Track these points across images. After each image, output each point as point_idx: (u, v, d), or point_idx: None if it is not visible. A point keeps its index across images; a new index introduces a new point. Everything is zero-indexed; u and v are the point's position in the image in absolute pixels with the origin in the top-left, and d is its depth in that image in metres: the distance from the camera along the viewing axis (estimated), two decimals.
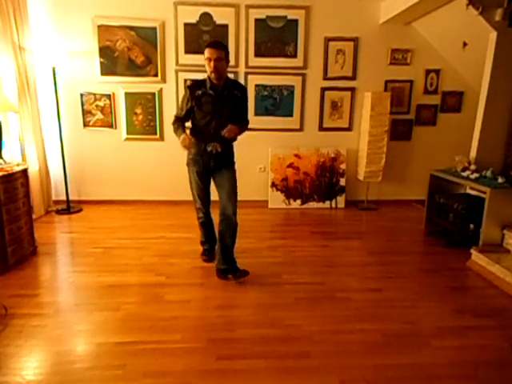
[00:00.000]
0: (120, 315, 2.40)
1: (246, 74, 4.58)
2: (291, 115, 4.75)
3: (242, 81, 4.47)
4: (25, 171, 3.20)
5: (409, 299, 2.67)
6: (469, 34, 3.90)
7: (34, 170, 4.10)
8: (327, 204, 4.88)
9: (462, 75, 4.75)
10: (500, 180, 3.35)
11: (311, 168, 4.79)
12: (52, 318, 2.35)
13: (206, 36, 4.39)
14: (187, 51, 4.47)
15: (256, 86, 4.60)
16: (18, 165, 3.23)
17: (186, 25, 4.41)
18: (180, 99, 3.02)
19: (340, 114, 4.80)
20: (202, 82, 2.76)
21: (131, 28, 4.37)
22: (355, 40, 4.59)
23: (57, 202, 4.57)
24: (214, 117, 2.74)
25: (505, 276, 2.84)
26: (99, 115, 4.59)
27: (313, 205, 4.85)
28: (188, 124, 2.87)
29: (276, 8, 4.43)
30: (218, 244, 2.91)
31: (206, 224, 3.16)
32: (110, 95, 4.53)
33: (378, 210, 4.82)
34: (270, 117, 4.71)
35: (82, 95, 4.51)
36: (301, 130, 4.81)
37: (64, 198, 4.47)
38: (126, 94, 4.54)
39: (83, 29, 4.32)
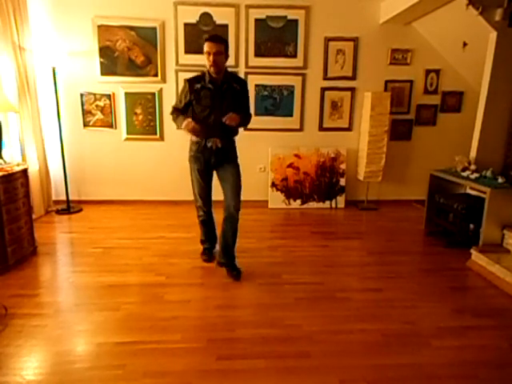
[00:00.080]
0: (120, 315, 2.40)
1: (246, 73, 4.57)
2: (291, 115, 4.75)
3: None
4: (25, 171, 3.20)
5: (409, 299, 2.67)
6: (469, 34, 3.90)
7: (34, 170, 4.10)
8: (327, 204, 4.88)
9: (462, 75, 4.75)
10: (500, 180, 3.35)
11: (311, 168, 4.79)
12: (52, 318, 2.35)
13: (205, 36, 4.36)
14: (187, 51, 4.47)
15: (256, 85, 4.60)
16: (18, 165, 3.23)
17: (185, 25, 4.41)
18: (179, 91, 2.99)
19: (340, 113, 4.80)
20: (202, 75, 2.76)
21: (131, 28, 4.37)
22: (355, 40, 4.59)
23: (57, 202, 4.57)
24: (213, 111, 2.72)
25: (505, 276, 2.84)
26: (99, 115, 4.59)
27: (313, 205, 4.85)
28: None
29: (276, 8, 4.43)
30: (220, 241, 2.98)
31: (206, 222, 3.14)
32: (110, 95, 4.53)
33: (377, 209, 4.82)
34: (270, 117, 4.71)
35: (81, 95, 4.51)
36: (301, 130, 4.81)
37: (64, 198, 4.47)
38: (126, 94, 4.54)
39: (83, 29, 4.32)
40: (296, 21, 4.48)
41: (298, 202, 4.84)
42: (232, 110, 2.71)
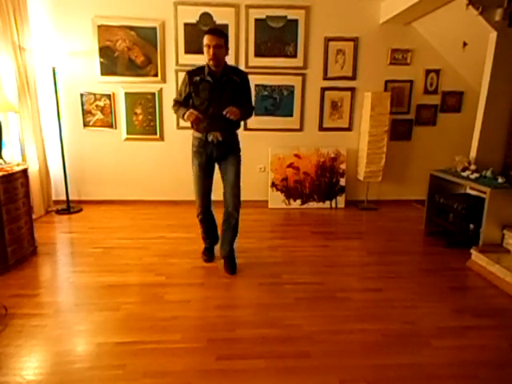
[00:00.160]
0: (120, 315, 2.40)
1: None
2: (291, 115, 4.75)
3: None
4: (25, 171, 3.20)
5: (409, 299, 2.67)
6: (469, 34, 3.90)
7: (34, 170, 4.10)
8: (327, 204, 4.88)
9: (462, 75, 4.75)
10: (500, 180, 3.35)
11: (311, 168, 4.79)
12: (52, 318, 2.35)
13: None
14: (187, 51, 4.47)
15: (256, 85, 4.59)
16: (18, 165, 3.23)
17: (185, 25, 4.41)
18: (180, 83, 2.97)
19: (340, 113, 4.80)
20: (201, 68, 2.74)
21: (131, 28, 4.37)
22: (355, 40, 4.59)
23: (57, 202, 4.57)
24: (212, 103, 2.70)
25: (505, 276, 2.84)
26: (99, 115, 4.59)
27: (313, 205, 4.85)
28: None
29: (276, 8, 4.43)
30: (220, 237, 3.09)
31: (204, 220, 3.10)
32: (110, 95, 4.53)
33: (378, 209, 4.82)
34: (270, 117, 4.70)
35: (81, 95, 4.51)
36: (301, 130, 4.81)
37: (64, 198, 4.47)
38: (126, 94, 4.54)
39: (83, 29, 4.32)
40: (296, 21, 4.48)
41: (298, 201, 4.84)
42: (231, 102, 2.68)
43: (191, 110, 2.65)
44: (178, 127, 4.64)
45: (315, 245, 3.64)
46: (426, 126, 4.92)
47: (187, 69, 4.34)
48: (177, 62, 4.51)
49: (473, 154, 3.86)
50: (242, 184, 2.95)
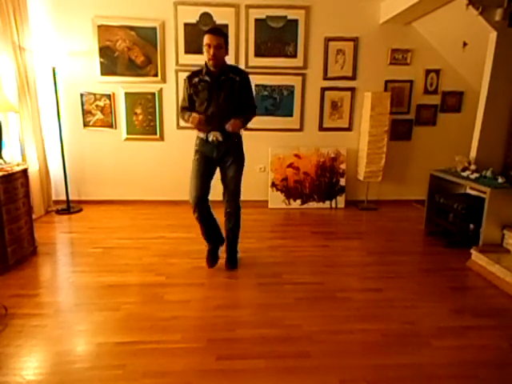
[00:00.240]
0: (120, 315, 2.40)
1: None
2: (291, 115, 4.75)
3: None
4: (25, 171, 3.20)
5: (409, 299, 2.67)
6: (469, 34, 3.90)
7: (34, 170, 4.10)
8: (327, 204, 4.88)
9: (462, 75, 4.75)
10: (500, 180, 3.35)
11: (311, 168, 4.79)
12: (52, 318, 2.35)
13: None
14: (187, 51, 4.48)
15: (256, 86, 4.59)
16: (18, 165, 3.23)
17: (185, 25, 4.41)
18: (183, 90, 2.96)
19: (340, 114, 4.80)
20: (200, 70, 2.75)
21: (131, 28, 4.37)
22: (355, 40, 4.59)
23: (57, 202, 4.57)
24: (211, 103, 2.69)
25: (505, 276, 2.84)
26: (99, 115, 4.59)
27: (313, 205, 4.85)
28: None
29: (276, 8, 4.43)
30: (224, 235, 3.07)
31: (200, 218, 2.89)
32: (110, 95, 4.53)
33: (377, 209, 4.82)
34: (270, 117, 4.70)
35: (82, 95, 4.51)
36: (301, 130, 4.81)
37: (64, 198, 4.47)
38: (126, 94, 4.54)
39: (83, 29, 4.33)
40: (296, 21, 4.48)
41: (298, 201, 4.84)
42: (230, 102, 2.68)
43: (194, 114, 2.65)
44: (178, 127, 4.65)
45: (315, 245, 3.64)
46: (425, 126, 4.92)
47: (187, 69, 4.43)
48: (177, 62, 4.51)
49: (473, 154, 3.86)
50: (242, 184, 2.93)
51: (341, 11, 4.51)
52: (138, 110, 4.61)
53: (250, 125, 3.01)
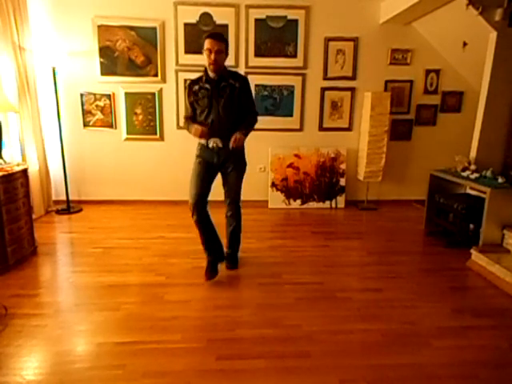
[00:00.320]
0: (120, 315, 2.40)
1: (246, 73, 4.55)
2: (291, 115, 4.75)
3: None
4: (25, 171, 3.20)
5: (409, 299, 2.67)
6: (469, 34, 3.90)
7: (34, 170, 4.10)
8: (327, 204, 4.88)
9: (462, 75, 4.75)
10: (500, 180, 3.35)
11: (311, 168, 4.79)
12: (52, 318, 2.35)
13: (206, 33, 4.38)
14: (187, 51, 4.48)
15: (256, 86, 4.59)
16: (18, 165, 3.23)
17: (185, 25, 4.41)
18: (185, 98, 2.97)
19: (340, 114, 4.80)
20: (200, 77, 2.75)
21: (131, 28, 4.37)
22: (355, 40, 4.59)
23: (57, 202, 4.57)
24: (211, 110, 2.69)
25: (505, 276, 2.84)
26: (99, 115, 4.59)
27: (313, 205, 4.85)
28: None
29: (276, 8, 4.43)
30: (226, 235, 3.05)
31: (199, 222, 2.80)
32: (110, 95, 4.53)
33: (377, 209, 4.82)
34: (270, 117, 4.70)
35: (82, 95, 4.51)
36: (301, 130, 4.81)
37: (64, 198, 4.48)
38: (126, 94, 4.54)
39: (83, 29, 4.33)
40: (296, 21, 4.48)
41: (298, 201, 4.84)
42: (230, 108, 2.68)
43: (196, 126, 2.64)
44: (178, 127, 4.64)
45: (315, 245, 3.64)
46: (425, 126, 4.92)
47: (187, 69, 4.48)
48: (177, 62, 4.51)
49: (473, 154, 3.86)
50: (242, 184, 2.93)
51: (341, 11, 4.51)
52: (138, 110, 4.61)
53: None
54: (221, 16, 4.40)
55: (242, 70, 4.56)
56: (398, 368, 1.97)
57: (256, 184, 4.77)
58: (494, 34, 3.55)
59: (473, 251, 3.24)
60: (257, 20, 4.45)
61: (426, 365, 2.00)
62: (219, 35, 2.65)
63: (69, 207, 4.45)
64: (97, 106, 4.56)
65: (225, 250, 3.05)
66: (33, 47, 4.03)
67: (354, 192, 4.99)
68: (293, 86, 4.67)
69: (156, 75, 4.52)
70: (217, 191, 2.99)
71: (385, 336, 2.23)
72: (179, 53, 4.48)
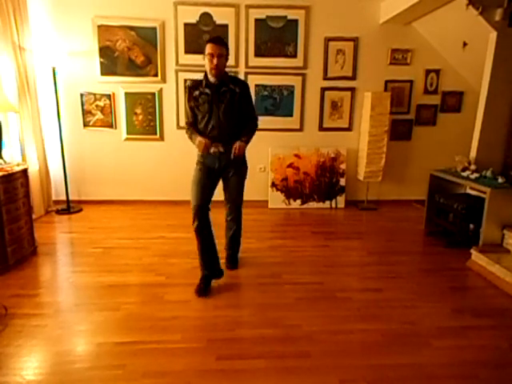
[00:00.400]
0: (120, 315, 2.40)
1: (246, 73, 4.58)
2: (291, 115, 4.75)
3: None
4: (25, 171, 3.20)
5: (409, 299, 2.67)
6: (469, 34, 3.90)
7: (34, 170, 4.10)
8: (327, 204, 4.88)
9: (462, 75, 4.75)
10: (500, 180, 3.35)
11: (311, 168, 4.80)
12: (52, 318, 2.35)
13: (205, 36, 4.38)
14: (187, 51, 4.48)
15: (256, 85, 4.60)
16: (18, 165, 3.23)
17: (185, 25, 4.41)
18: (184, 103, 2.92)
19: (340, 114, 4.80)
20: (200, 81, 2.72)
21: (131, 28, 4.37)
22: (355, 40, 4.59)
23: (57, 202, 4.57)
24: (212, 115, 2.68)
25: (505, 276, 2.84)
26: (99, 115, 4.59)
27: (313, 205, 4.85)
28: None
29: (276, 8, 4.43)
30: (225, 235, 3.07)
31: (200, 230, 2.67)
32: (110, 95, 4.53)
33: (377, 209, 4.82)
34: (270, 117, 4.70)
35: (82, 95, 4.51)
36: (301, 130, 4.81)
37: (64, 198, 4.48)
38: (126, 94, 4.54)
39: (83, 29, 4.33)
40: (296, 21, 4.48)
41: (298, 201, 4.84)
42: (230, 113, 2.67)
43: (199, 139, 2.61)
44: (178, 127, 4.64)
45: (315, 245, 3.64)
46: (425, 125, 4.92)
47: (187, 69, 4.48)
48: (177, 62, 4.51)
49: (473, 154, 3.86)
50: (243, 188, 2.92)
51: (341, 11, 4.51)
52: (138, 110, 4.61)
53: None
54: (221, 16, 4.40)
55: (241, 70, 4.57)
56: (397, 368, 1.97)
57: (256, 184, 4.77)
58: (493, 34, 3.55)
59: (473, 251, 3.24)
60: (257, 20, 4.45)
61: (426, 365, 2.00)
62: (220, 39, 2.63)
63: (69, 207, 4.45)
64: (97, 106, 4.56)
65: (225, 250, 3.06)
66: (33, 47, 4.03)
67: (354, 192, 4.99)
68: (293, 86, 4.67)
69: (156, 75, 4.52)
70: (216, 191, 2.99)
71: (385, 336, 2.23)
72: (179, 53, 4.48)
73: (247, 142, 2.74)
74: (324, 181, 4.84)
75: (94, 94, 4.52)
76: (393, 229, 4.17)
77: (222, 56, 2.60)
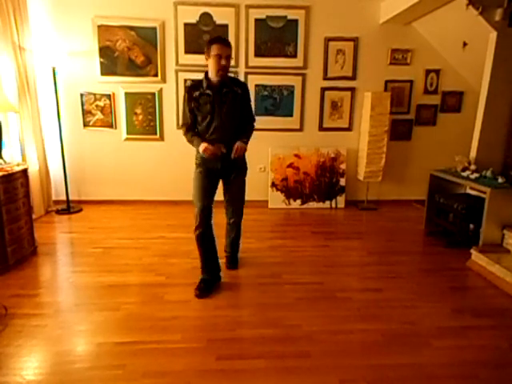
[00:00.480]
0: (120, 315, 2.40)
1: (246, 73, 4.58)
2: (291, 115, 4.75)
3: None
4: (25, 171, 3.20)
5: (409, 299, 2.67)
6: (469, 34, 3.90)
7: (34, 170, 4.10)
8: (327, 204, 4.88)
9: (462, 75, 4.75)
10: (500, 180, 3.35)
11: (311, 168, 4.80)
12: (52, 318, 2.35)
13: (206, 36, 4.39)
14: (187, 51, 4.48)
15: (256, 85, 4.60)
16: (18, 165, 3.23)
17: (185, 25, 4.41)
18: (182, 105, 2.85)
19: (340, 114, 4.80)
20: (200, 82, 2.69)
21: (131, 28, 4.37)
22: (355, 40, 4.59)
23: (57, 202, 4.57)
24: (214, 116, 2.65)
25: (505, 276, 2.84)
26: (99, 115, 4.59)
27: (313, 205, 4.85)
28: None
29: (276, 8, 4.43)
30: (225, 237, 3.06)
31: (202, 237, 2.67)
32: (110, 95, 4.53)
33: (377, 209, 4.82)
34: (270, 117, 4.70)
35: (82, 95, 4.51)
36: (301, 130, 4.81)
37: (64, 198, 4.48)
38: (126, 94, 4.54)
39: (83, 29, 4.33)
40: (296, 21, 4.48)
41: (298, 201, 4.84)
42: (232, 114, 2.66)
43: (205, 145, 2.56)
44: (178, 127, 4.64)
45: (315, 245, 3.64)
46: (425, 125, 4.92)
47: (187, 69, 4.47)
48: (177, 62, 4.51)
49: (473, 154, 3.86)
50: (245, 189, 2.92)
51: (341, 11, 4.51)
52: (138, 110, 4.61)
53: None
54: (221, 16, 4.40)
55: (241, 70, 4.57)
56: (397, 368, 1.97)
57: (256, 184, 4.77)
58: (493, 34, 3.55)
59: (473, 251, 3.24)
60: (257, 20, 4.45)
61: (425, 365, 2.00)
62: (227, 40, 2.60)
63: (69, 207, 4.45)
64: (97, 105, 4.56)
65: (224, 251, 3.08)
66: (33, 47, 4.03)
67: (354, 192, 4.99)
68: (293, 86, 4.67)
69: (156, 75, 4.52)
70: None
71: (385, 336, 2.23)
72: (179, 53, 4.48)
73: (247, 143, 2.74)
74: (324, 181, 4.84)
75: (94, 94, 4.52)
76: (393, 229, 4.17)
77: (229, 57, 2.58)
